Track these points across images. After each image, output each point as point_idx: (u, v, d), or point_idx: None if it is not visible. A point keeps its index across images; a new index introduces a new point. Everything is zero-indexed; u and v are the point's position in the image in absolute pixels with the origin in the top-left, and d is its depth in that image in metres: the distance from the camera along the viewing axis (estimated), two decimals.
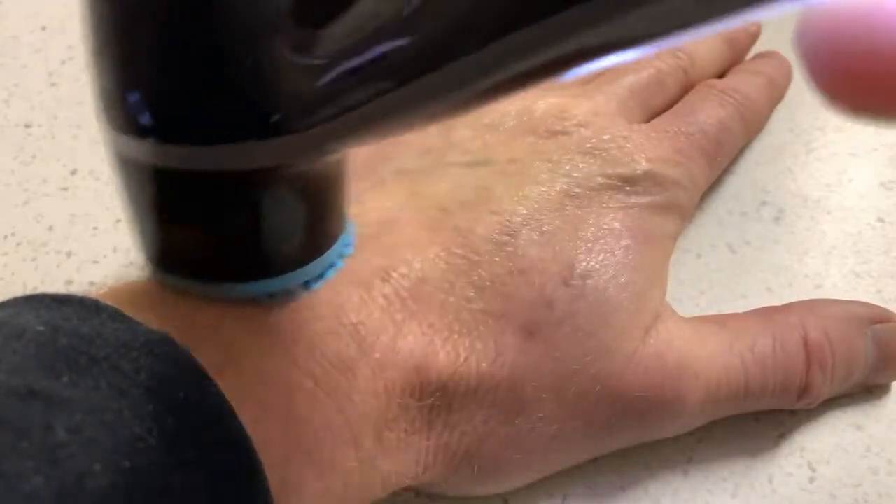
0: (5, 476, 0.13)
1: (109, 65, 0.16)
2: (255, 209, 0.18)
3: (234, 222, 0.18)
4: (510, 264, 0.22)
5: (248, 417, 0.17)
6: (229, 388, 0.17)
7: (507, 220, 0.23)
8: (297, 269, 0.19)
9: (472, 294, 0.22)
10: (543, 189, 0.24)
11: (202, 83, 0.15)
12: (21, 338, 0.16)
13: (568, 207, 0.24)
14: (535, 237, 0.23)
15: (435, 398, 0.21)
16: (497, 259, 0.22)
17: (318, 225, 0.20)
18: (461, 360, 0.21)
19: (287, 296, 0.19)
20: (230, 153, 0.16)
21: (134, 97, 0.16)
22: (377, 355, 0.20)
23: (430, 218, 0.23)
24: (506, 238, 0.23)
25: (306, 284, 0.20)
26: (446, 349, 0.21)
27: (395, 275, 0.21)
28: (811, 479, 0.25)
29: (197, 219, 0.18)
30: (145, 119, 0.16)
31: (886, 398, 0.27)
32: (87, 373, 0.15)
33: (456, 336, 0.21)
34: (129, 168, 0.18)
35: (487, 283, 0.22)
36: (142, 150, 0.17)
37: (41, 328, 0.16)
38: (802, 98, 0.34)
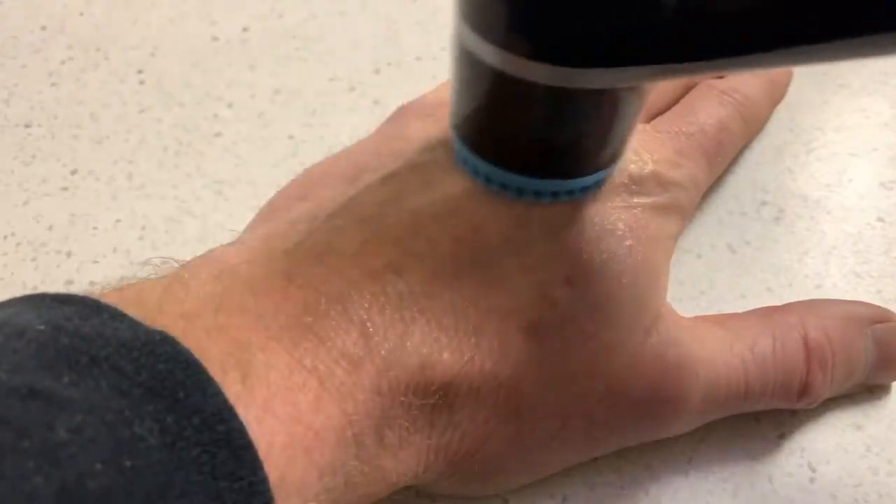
0: (6, 476, 0.13)
1: None
2: (592, 119, 0.20)
3: (568, 129, 0.21)
4: (517, 262, 0.22)
5: (249, 417, 0.17)
6: (231, 387, 0.17)
7: (516, 216, 0.23)
8: (595, 174, 0.22)
9: (478, 291, 0.22)
10: None
11: (606, 11, 0.17)
12: (22, 337, 0.16)
13: (575, 206, 0.24)
14: (543, 235, 0.23)
15: (438, 397, 0.21)
16: (504, 256, 0.22)
17: (623, 139, 0.22)
18: (466, 359, 0.21)
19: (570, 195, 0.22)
20: (604, 75, 0.18)
21: (531, 16, 0.18)
22: (383, 353, 0.20)
23: (441, 212, 0.23)
24: (515, 235, 0.22)
25: (585, 189, 0.23)
26: (451, 348, 0.21)
27: (407, 270, 0.21)
28: (811, 480, 0.25)
29: (535, 122, 0.21)
30: (535, 40, 0.18)
31: (886, 398, 0.27)
32: (88, 372, 0.15)
33: (462, 335, 0.21)
34: (477, 70, 0.20)
35: (495, 282, 0.22)
36: (509, 62, 0.19)
37: (42, 328, 0.16)
38: (802, 98, 0.34)
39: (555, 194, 0.22)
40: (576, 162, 0.22)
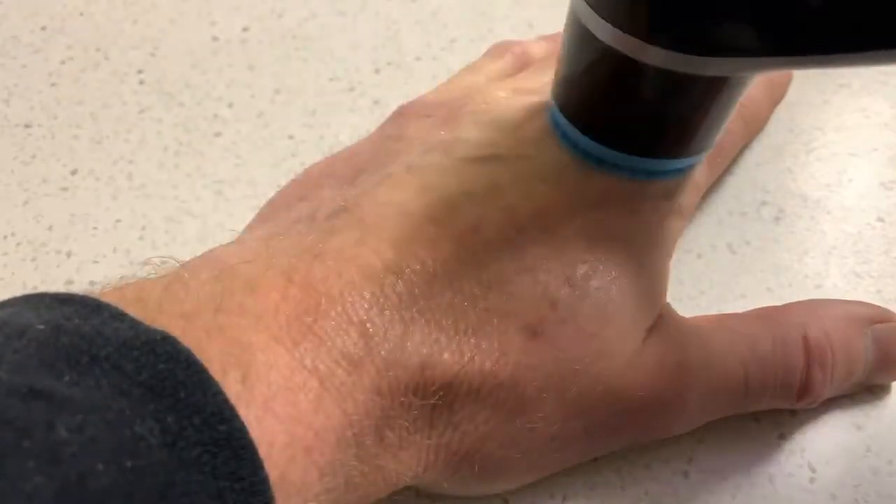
0: (7, 476, 0.13)
1: None
2: (698, 103, 0.21)
3: (675, 110, 0.21)
4: (516, 262, 0.22)
5: (250, 416, 0.17)
6: (231, 387, 0.17)
7: (515, 218, 0.23)
8: (691, 156, 0.23)
9: (478, 292, 0.22)
10: (550, 187, 0.24)
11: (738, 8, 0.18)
12: (22, 337, 0.16)
13: (574, 206, 0.24)
14: (542, 236, 0.23)
15: (438, 397, 0.21)
16: (504, 257, 0.22)
17: (721, 125, 0.23)
18: (466, 359, 0.21)
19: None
20: (719, 64, 0.19)
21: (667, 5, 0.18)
22: (383, 353, 0.20)
23: (439, 212, 0.23)
24: (513, 235, 0.22)
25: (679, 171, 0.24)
26: (451, 348, 0.21)
27: (407, 270, 0.21)
28: (811, 480, 0.25)
29: (644, 101, 0.21)
30: (663, 25, 0.19)
31: (887, 398, 0.27)
32: (89, 372, 0.15)
33: (461, 335, 0.21)
34: (592, 47, 0.21)
35: (494, 281, 0.22)
36: (625, 43, 0.19)
37: (42, 327, 0.16)
38: (802, 98, 0.34)
39: (649, 172, 0.23)
40: (676, 144, 0.23)
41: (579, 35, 0.21)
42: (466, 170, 0.24)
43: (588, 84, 0.22)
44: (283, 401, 0.18)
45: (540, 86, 0.29)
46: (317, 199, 0.25)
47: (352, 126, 0.35)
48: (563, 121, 0.23)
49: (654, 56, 0.19)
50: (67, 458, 0.14)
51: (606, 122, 0.23)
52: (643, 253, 0.24)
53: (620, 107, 0.22)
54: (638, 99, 0.21)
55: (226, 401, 0.16)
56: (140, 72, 0.37)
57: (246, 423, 0.16)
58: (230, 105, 0.36)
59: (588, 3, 0.20)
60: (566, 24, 0.22)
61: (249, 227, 0.27)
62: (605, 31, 0.20)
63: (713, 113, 0.21)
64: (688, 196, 0.26)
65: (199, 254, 0.22)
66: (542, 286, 0.22)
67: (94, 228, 0.32)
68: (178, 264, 0.21)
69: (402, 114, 0.29)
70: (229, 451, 0.16)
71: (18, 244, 0.31)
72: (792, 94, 0.34)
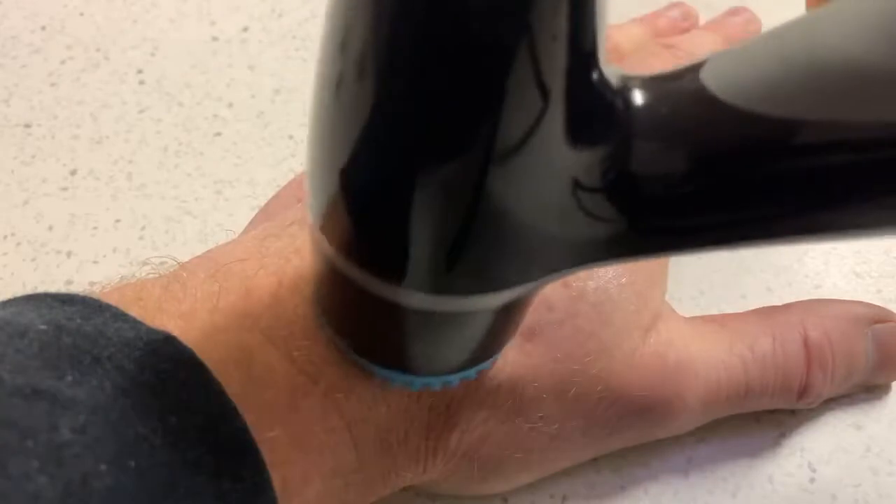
0: (11, 476, 0.13)
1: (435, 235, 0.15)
2: (453, 331, 0.18)
3: (428, 338, 0.18)
4: None
5: (251, 418, 0.17)
6: (233, 388, 0.17)
7: None
8: (458, 372, 0.20)
9: None
10: None
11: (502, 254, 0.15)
12: (24, 336, 0.16)
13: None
14: None
15: (436, 398, 0.21)
16: None
17: (492, 345, 0.20)
18: None
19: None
20: (477, 302, 0.16)
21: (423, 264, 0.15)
22: None
23: None
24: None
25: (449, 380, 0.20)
26: None
27: None
28: (811, 480, 0.25)
29: (395, 329, 0.18)
30: (415, 280, 0.15)
31: (886, 398, 0.27)
32: (91, 372, 0.15)
33: None
34: (348, 287, 0.17)
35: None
36: (386, 290, 0.16)
37: (44, 327, 0.16)
38: None
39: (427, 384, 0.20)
40: (445, 364, 0.20)
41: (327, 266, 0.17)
42: None
43: (335, 302, 0.18)
44: (281, 402, 0.18)
45: None
46: None
47: None
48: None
49: (409, 299, 0.16)
50: (71, 458, 0.14)
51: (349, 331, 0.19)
52: None
53: (353, 318, 0.19)
54: (373, 322, 0.18)
55: (228, 401, 0.16)
56: (140, 72, 0.37)
57: (248, 425, 0.16)
58: (230, 105, 0.36)
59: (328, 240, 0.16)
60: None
61: (248, 228, 0.27)
62: (352, 271, 0.16)
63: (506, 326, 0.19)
64: None
65: (198, 254, 0.22)
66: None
67: (94, 228, 0.32)
68: (176, 264, 0.21)
69: None
70: (231, 452, 0.16)
71: (18, 244, 0.31)
72: None
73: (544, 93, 0.13)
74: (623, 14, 0.34)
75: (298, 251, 0.21)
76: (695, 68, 0.15)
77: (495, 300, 0.16)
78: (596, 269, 0.23)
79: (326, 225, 0.16)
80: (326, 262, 0.17)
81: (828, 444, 0.26)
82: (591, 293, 0.22)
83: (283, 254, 0.21)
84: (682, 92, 0.15)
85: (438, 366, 0.19)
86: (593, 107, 0.14)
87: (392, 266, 0.15)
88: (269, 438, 0.17)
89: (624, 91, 0.14)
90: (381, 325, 0.18)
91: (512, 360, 0.22)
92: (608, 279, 0.23)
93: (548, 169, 0.14)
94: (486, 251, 0.15)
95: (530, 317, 0.22)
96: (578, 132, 0.14)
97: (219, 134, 0.35)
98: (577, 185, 0.15)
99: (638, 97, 0.15)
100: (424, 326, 0.17)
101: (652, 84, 0.15)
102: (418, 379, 0.19)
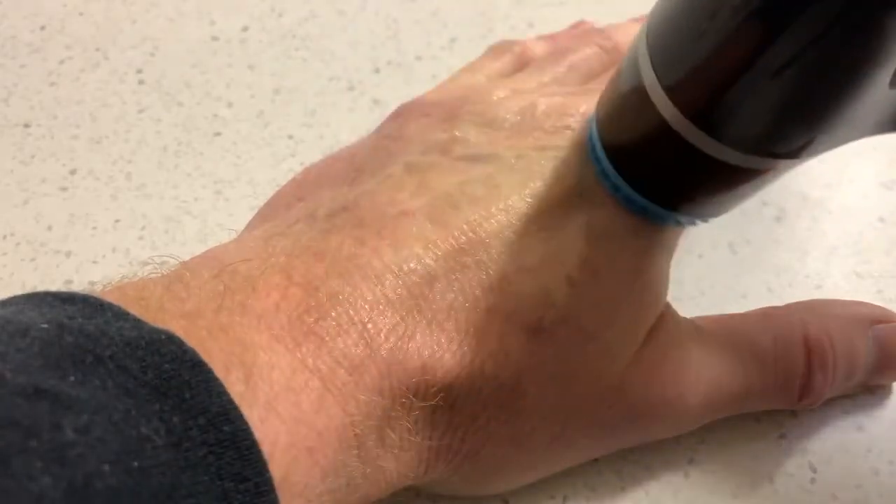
0: (14, 476, 0.13)
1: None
2: (751, 188, 0.22)
3: (714, 187, 0.22)
4: (517, 263, 0.22)
5: (253, 417, 0.17)
6: (234, 387, 0.17)
7: (515, 219, 0.23)
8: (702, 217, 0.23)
9: (478, 293, 0.22)
10: (550, 187, 0.24)
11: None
12: (26, 336, 0.16)
13: (575, 205, 0.23)
14: (542, 236, 0.23)
15: (439, 398, 0.21)
16: (504, 258, 0.22)
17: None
18: (467, 360, 0.21)
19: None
20: (791, 164, 0.20)
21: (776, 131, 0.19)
22: (384, 354, 0.20)
23: (438, 212, 0.23)
24: (513, 237, 0.22)
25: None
26: (452, 350, 0.21)
27: (406, 270, 0.21)
28: (812, 480, 0.25)
29: (688, 175, 0.21)
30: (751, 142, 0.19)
31: (887, 399, 0.27)
32: (94, 371, 0.15)
33: (462, 336, 0.21)
34: (656, 123, 0.20)
35: (495, 283, 0.22)
36: (705, 142, 0.20)
37: (46, 326, 0.16)
38: None
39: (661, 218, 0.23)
40: (696, 207, 0.23)
41: (641, 107, 0.21)
42: (465, 169, 0.24)
43: (635, 140, 0.22)
44: (285, 401, 0.18)
45: (538, 85, 0.29)
46: (316, 198, 0.25)
47: (351, 126, 0.35)
48: (598, 145, 0.23)
49: (727, 154, 0.20)
50: (74, 458, 0.14)
51: (642, 173, 0.22)
52: (644, 252, 0.24)
53: (661, 168, 0.22)
54: (683, 172, 0.21)
55: (230, 401, 0.16)
56: (139, 71, 0.37)
57: (249, 424, 0.16)
58: (230, 105, 0.36)
59: (669, 98, 0.20)
60: (624, 76, 0.22)
61: (249, 227, 0.27)
62: (682, 125, 0.20)
63: (746, 194, 0.22)
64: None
65: (198, 253, 0.22)
66: (543, 287, 0.22)
67: (94, 228, 0.32)
68: (178, 263, 0.21)
69: (401, 114, 0.29)
70: (234, 452, 0.16)
71: (18, 244, 0.31)
72: None
73: None
74: (623, 14, 0.34)
75: (307, 249, 0.21)
76: None
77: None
78: (598, 270, 0.23)
79: (675, 87, 0.19)
80: (657, 123, 0.20)
81: (829, 444, 0.26)
82: (594, 294, 0.22)
83: (290, 252, 0.21)
84: None
85: (709, 212, 0.23)
86: None
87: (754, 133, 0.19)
88: (272, 438, 0.17)
89: None
90: (693, 176, 0.21)
91: (515, 360, 0.22)
92: (610, 280, 0.23)
93: None
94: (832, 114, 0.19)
95: (533, 316, 0.22)
96: None
97: (218, 134, 0.35)
98: None
99: None
100: (736, 182, 0.21)
101: None
102: (686, 218, 0.23)
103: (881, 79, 0.18)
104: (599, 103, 0.24)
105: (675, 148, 0.20)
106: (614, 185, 0.23)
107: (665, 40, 0.20)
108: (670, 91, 0.20)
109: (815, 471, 0.25)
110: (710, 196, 0.22)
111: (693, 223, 0.24)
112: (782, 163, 0.20)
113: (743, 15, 0.18)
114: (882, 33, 0.17)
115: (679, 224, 0.24)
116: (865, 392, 0.27)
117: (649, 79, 0.20)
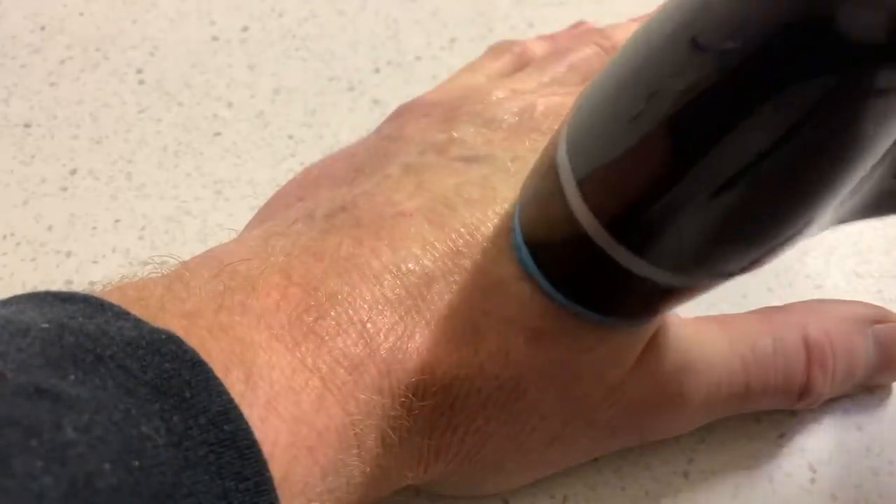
0: (15, 475, 0.13)
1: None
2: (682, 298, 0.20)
3: (652, 298, 0.20)
4: (514, 265, 0.22)
5: (253, 416, 0.17)
6: (234, 386, 0.17)
7: (512, 219, 0.23)
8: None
9: (477, 295, 0.22)
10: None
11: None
12: (26, 335, 0.16)
13: None
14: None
15: (438, 398, 0.21)
16: (502, 259, 0.22)
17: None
18: (466, 361, 0.21)
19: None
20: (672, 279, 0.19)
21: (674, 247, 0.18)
22: (384, 354, 0.20)
23: (436, 213, 0.23)
24: (511, 237, 0.22)
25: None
26: (451, 349, 0.21)
27: (405, 271, 0.21)
28: (812, 480, 0.25)
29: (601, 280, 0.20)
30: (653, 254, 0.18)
31: (887, 399, 0.27)
32: (94, 371, 0.15)
33: (461, 336, 0.21)
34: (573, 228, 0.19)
35: (493, 284, 0.22)
36: (624, 256, 0.18)
37: (46, 325, 0.16)
38: None
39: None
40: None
41: (558, 204, 0.19)
42: (462, 170, 0.24)
43: (552, 238, 0.20)
44: (285, 400, 0.18)
45: (538, 86, 0.29)
46: (315, 198, 0.25)
47: (351, 126, 0.35)
48: (520, 237, 0.22)
49: (650, 272, 0.18)
50: (75, 458, 0.14)
51: (560, 274, 0.21)
52: None
53: (581, 275, 0.20)
54: (605, 284, 0.20)
55: (231, 401, 0.16)
56: (139, 71, 0.37)
57: (249, 423, 0.16)
58: (230, 105, 0.36)
59: (584, 201, 0.18)
60: (545, 165, 0.20)
61: (248, 227, 0.27)
62: (598, 234, 0.18)
63: (686, 301, 0.21)
64: None
65: (198, 253, 0.22)
66: (544, 294, 0.22)
67: (94, 228, 0.32)
68: (178, 263, 0.21)
69: (400, 114, 0.29)
70: (234, 451, 0.16)
71: (18, 244, 0.31)
72: None
73: None
74: (623, 14, 0.34)
75: (306, 249, 0.21)
76: None
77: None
78: None
79: (593, 194, 0.18)
80: (574, 229, 0.18)
81: (828, 444, 0.26)
82: None
83: (289, 252, 0.21)
84: None
85: (637, 317, 0.21)
86: None
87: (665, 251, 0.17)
88: (273, 438, 0.17)
89: None
90: (615, 287, 0.19)
91: (514, 361, 0.22)
92: None
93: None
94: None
95: (532, 322, 0.22)
96: None
97: (218, 134, 0.35)
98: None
99: None
100: (668, 298, 0.19)
101: None
102: (608, 319, 0.21)
103: (847, 183, 0.16)
104: (522, 189, 0.22)
105: (592, 257, 0.19)
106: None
107: (582, 134, 0.18)
108: (585, 194, 0.18)
109: (814, 471, 0.25)
110: (637, 309, 0.20)
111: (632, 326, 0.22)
112: (725, 279, 0.19)
113: (655, 124, 0.16)
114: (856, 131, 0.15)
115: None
116: (865, 392, 0.27)
117: (565, 173, 0.18)
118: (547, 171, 0.20)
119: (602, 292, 0.20)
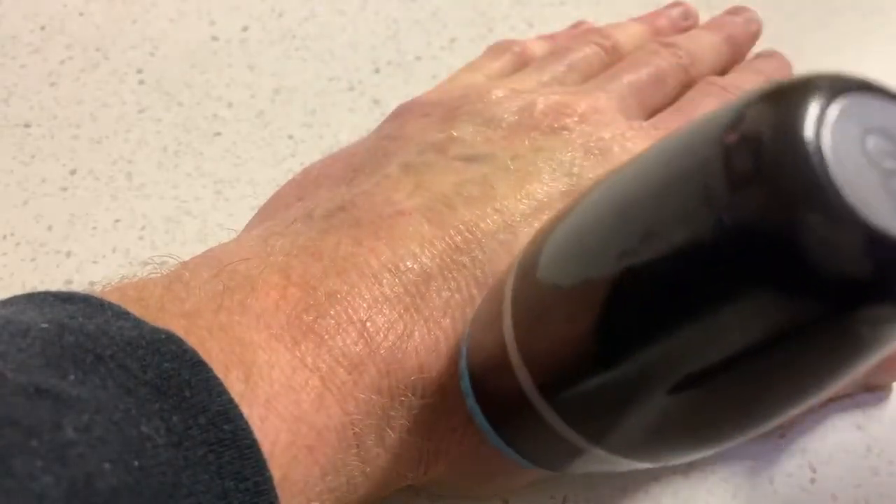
0: (15, 475, 0.13)
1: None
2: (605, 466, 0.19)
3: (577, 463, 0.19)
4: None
5: (253, 416, 0.17)
6: (234, 386, 0.17)
7: (510, 219, 0.23)
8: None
9: (475, 292, 0.22)
10: (545, 188, 0.24)
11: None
12: (26, 335, 0.16)
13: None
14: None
15: (438, 397, 0.21)
16: (500, 257, 0.22)
17: None
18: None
19: None
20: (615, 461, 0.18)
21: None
22: (383, 353, 0.20)
23: (434, 212, 0.23)
24: (509, 237, 0.22)
25: None
26: (450, 349, 0.21)
27: (403, 270, 0.21)
28: (812, 480, 0.25)
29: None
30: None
31: (887, 399, 0.27)
32: (94, 371, 0.15)
33: (460, 335, 0.21)
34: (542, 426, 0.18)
35: (490, 282, 0.22)
36: (556, 421, 0.17)
37: (46, 325, 0.16)
38: None
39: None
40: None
41: (498, 346, 0.18)
42: (461, 169, 0.24)
43: (491, 377, 0.20)
44: (285, 400, 0.18)
45: (538, 85, 0.29)
46: (314, 198, 0.25)
47: (351, 126, 0.35)
48: (464, 362, 0.21)
49: (583, 444, 0.17)
50: (75, 458, 0.14)
51: (498, 416, 0.20)
52: None
53: (517, 428, 0.20)
54: (538, 440, 0.19)
55: (230, 400, 0.16)
56: (139, 71, 0.37)
57: (249, 423, 0.16)
58: (230, 105, 0.36)
59: (520, 353, 0.17)
60: (493, 300, 0.19)
61: (248, 227, 0.27)
62: (531, 391, 0.17)
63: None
64: None
65: (198, 253, 0.22)
66: None
67: (94, 228, 0.32)
68: (178, 263, 0.21)
69: (400, 113, 0.29)
70: (234, 451, 0.16)
71: (18, 244, 0.31)
72: None
73: None
74: (623, 14, 0.34)
75: (305, 249, 0.21)
76: None
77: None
78: None
79: (532, 361, 0.17)
80: (516, 388, 0.18)
81: (828, 444, 0.26)
82: None
83: (288, 252, 0.21)
84: None
85: (559, 468, 0.21)
86: None
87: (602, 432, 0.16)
88: (272, 437, 0.17)
89: None
90: (545, 439, 0.18)
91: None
92: None
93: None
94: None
95: None
96: None
97: (218, 134, 0.35)
98: None
99: None
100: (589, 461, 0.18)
101: None
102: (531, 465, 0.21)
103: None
104: (474, 316, 0.21)
105: (527, 412, 0.18)
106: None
107: (526, 280, 0.17)
108: (521, 346, 0.17)
109: (814, 470, 0.25)
110: (566, 462, 0.19)
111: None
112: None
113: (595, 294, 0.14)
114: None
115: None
116: (865, 392, 0.27)
117: (507, 322, 0.18)
118: (495, 298, 0.19)
119: (534, 449, 0.20)
